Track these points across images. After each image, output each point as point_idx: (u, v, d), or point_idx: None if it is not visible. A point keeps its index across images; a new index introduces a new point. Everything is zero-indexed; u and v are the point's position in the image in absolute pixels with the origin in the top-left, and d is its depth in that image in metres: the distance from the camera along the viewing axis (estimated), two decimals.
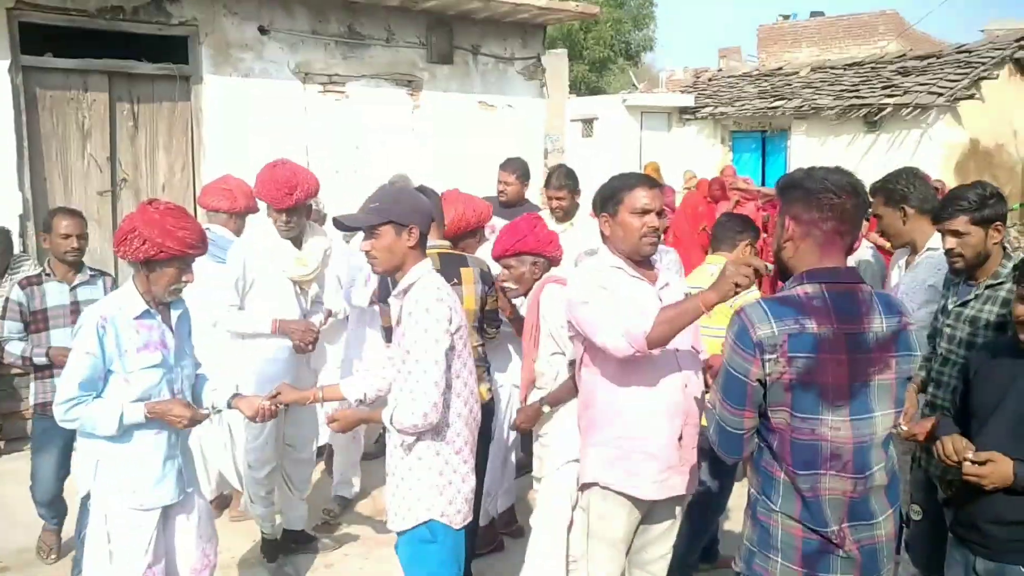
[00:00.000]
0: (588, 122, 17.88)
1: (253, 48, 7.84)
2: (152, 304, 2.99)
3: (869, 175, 11.86)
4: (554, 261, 3.61)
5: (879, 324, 2.13)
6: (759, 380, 2.09)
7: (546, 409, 3.35)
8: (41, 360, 4.03)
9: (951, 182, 14.22)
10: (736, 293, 2.48)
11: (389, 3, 8.35)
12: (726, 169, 11.55)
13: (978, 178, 15.50)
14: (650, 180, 2.98)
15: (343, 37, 8.37)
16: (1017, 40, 15.04)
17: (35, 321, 4.09)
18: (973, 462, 2.42)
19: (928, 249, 3.56)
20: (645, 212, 2.86)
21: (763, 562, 2.21)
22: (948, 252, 3.05)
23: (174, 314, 3.09)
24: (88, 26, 7.05)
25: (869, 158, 14.61)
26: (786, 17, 27.80)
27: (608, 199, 2.93)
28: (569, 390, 3.28)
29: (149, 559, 2.94)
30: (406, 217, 2.76)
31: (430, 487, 2.77)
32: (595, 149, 16.89)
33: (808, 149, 15.65)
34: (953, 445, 2.47)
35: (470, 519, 2.95)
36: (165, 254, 2.86)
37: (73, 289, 4.13)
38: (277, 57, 7.98)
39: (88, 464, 3.02)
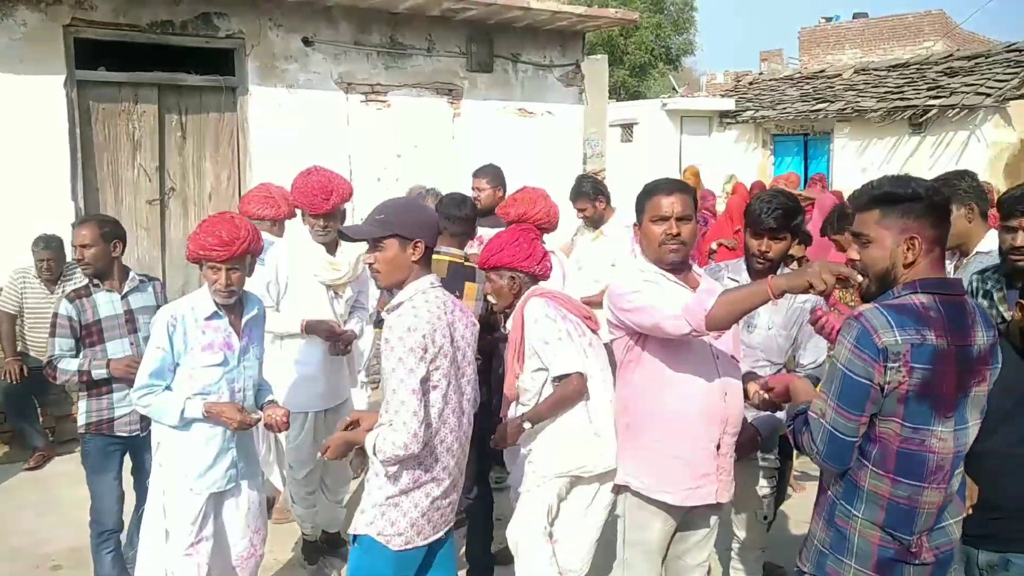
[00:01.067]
0: (627, 127, 17.86)
1: (298, 59, 7.99)
2: (220, 306, 3.21)
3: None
4: (538, 277, 3.39)
5: (981, 337, 2.17)
6: (880, 387, 2.08)
7: (527, 426, 3.21)
8: (101, 373, 3.74)
9: (1001, 184, 13.93)
10: (807, 292, 2.39)
11: (430, 13, 8.45)
12: (790, 176, 11.46)
13: None
14: (671, 185, 2.93)
15: (385, 47, 8.49)
16: None
17: (89, 335, 3.80)
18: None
19: (978, 252, 3.49)
20: (664, 219, 2.83)
21: (836, 565, 2.23)
22: (1013, 251, 2.90)
23: (245, 317, 3.31)
24: (139, 40, 7.25)
25: (914, 160, 14.38)
26: (828, 19, 27.49)
27: (636, 209, 2.95)
28: (551, 407, 3.18)
29: (193, 537, 3.18)
30: (412, 231, 2.66)
31: (375, 505, 2.69)
32: (635, 154, 16.86)
33: (851, 152, 15.46)
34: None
35: (426, 540, 2.74)
36: (190, 257, 3.16)
37: (124, 297, 3.90)
38: (321, 68, 8.12)
39: (152, 444, 3.32)
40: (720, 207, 11.18)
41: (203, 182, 7.83)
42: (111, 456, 3.85)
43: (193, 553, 3.16)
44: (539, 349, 3.18)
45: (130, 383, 3.35)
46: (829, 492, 2.30)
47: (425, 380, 2.57)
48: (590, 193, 5.26)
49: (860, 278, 2.25)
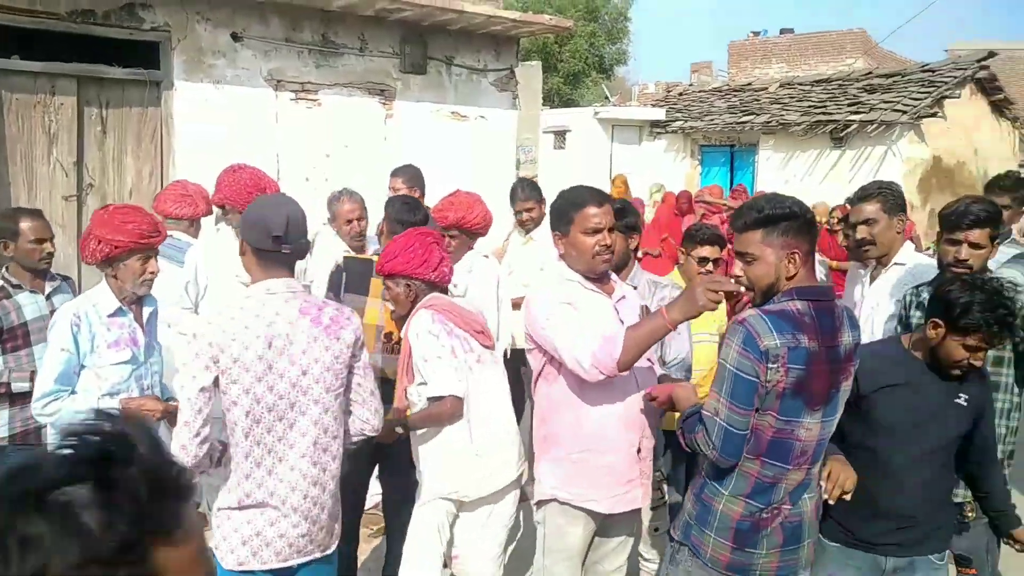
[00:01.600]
0: (560, 134, 18.00)
1: (226, 55, 7.81)
2: (124, 302, 3.11)
3: (834, 190, 12.18)
4: (435, 284, 3.22)
5: (847, 338, 2.41)
6: (763, 385, 2.30)
7: (399, 430, 3.07)
8: (23, 386, 3.43)
9: (914, 198, 14.52)
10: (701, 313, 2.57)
11: (364, 12, 8.36)
12: (714, 187, 11.71)
13: (940, 195, 15.83)
14: (599, 195, 2.91)
15: (317, 45, 8.37)
16: (979, 60, 15.42)
17: (13, 338, 3.54)
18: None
19: (895, 264, 3.57)
20: (597, 231, 2.82)
21: (698, 534, 2.52)
22: (958, 263, 2.99)
23: (146, 311, 3.23)
24: (57, 29, 6.98)
25: (834, 173, 14.87)
26: (757, 34, 28.23)
27: (559, 217, 2.89)
28: (421, 420, 3.09)
29: None
30: (242, 233, 2.55)
31: (214, 512, 2.58)
32: (567, 161, 17.00)
33: (775, 164, 15.89)
34: (847, 480, 2.54)
35: (264, 566, 2.50)
36: (121, 248, 2.98)
37: (49, 298, 3.66)
38: (250, 64, 7.95)
39: None
40: (648, 216, 11.33)
41: (124, 178, 7.57)
42: None
43: None
44: (419, 366, 3.07)
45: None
46: (702, 471, 2.57)
47: (205, 391, 2.35)
48: (537, 195, 5.30)
49: (743, 290, 2.49)
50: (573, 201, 2.87)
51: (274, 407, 2.40)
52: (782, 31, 27.46)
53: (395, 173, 5.41)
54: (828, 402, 2.37)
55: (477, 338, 3.19)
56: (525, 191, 5.31)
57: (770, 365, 2.27)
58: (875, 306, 3.58)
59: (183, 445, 2.37)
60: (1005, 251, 3.53)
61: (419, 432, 3.18)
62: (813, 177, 15.02)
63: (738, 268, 2.47)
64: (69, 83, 7.14)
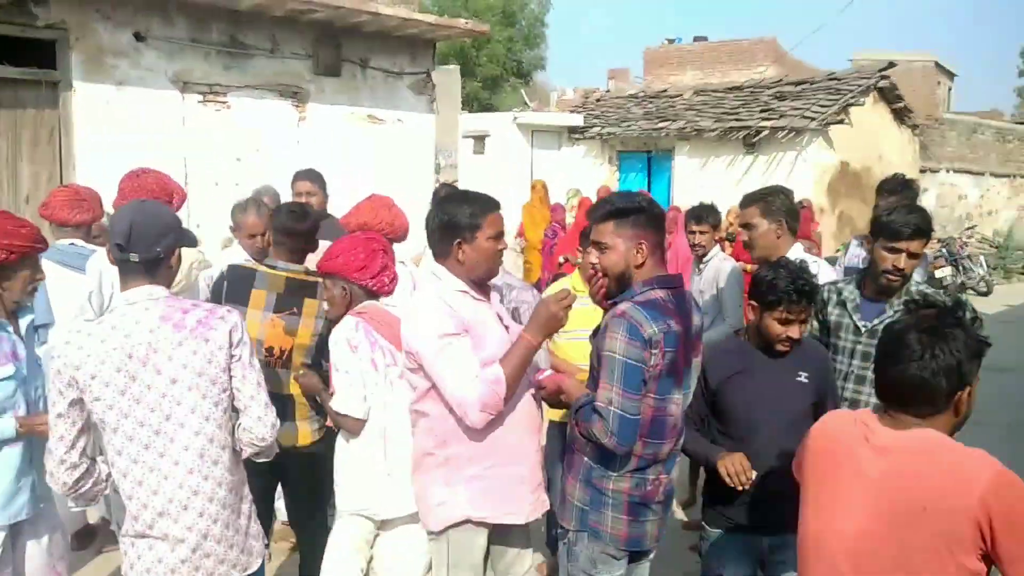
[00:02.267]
0: (480, 139, 17.95)
1: (128, 55, 7.49)
2: (3, 314, 2.91)
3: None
4: (372, 291, 3.17)
5: (697, 319, 2.72)
6: (648, 369, 2.49)
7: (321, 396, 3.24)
8: None
9: (823, 201, 15.01)
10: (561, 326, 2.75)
11: (274, 13, 8.14)
12: (601, 189, 11.86)
13: (847, 199, 16.37)
14: (496, 200, 2.90)
15: (225, 46, 8.10)
16: (880, 71, 16.04)
17: None
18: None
19: None
20: (501, 235, 2.85)
21: (597, 517, 2.66)
22: (896, 271, 3.15)
23: (22, 323, 3.02)
24: None
25: (748, 178, 15.22)
26: (671, 41, 28.77)
27: (463, 227, 2.78)
28: (333, 418, 3.10)
29: None
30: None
31: (121, 539, 2.47)
32: (486, 166, 16.96)
33: (691, 169, 16.19)
34: (741, 465, 2.79)
35: None
36: (16, 254, 2.82)
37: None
38: (154, 65, 7.65)
39: None
40: (569, 221, 11.38)
41: (19, 184, 7.17)
42: None
43: None
44: (332, 372, 3.03)
45: None
46: (584, 458, 2.69)
47: (63, 417, 2.24)
48: None
49: (570, 303, 2.67)
50: (479, 208, 2.82)
51: (146, 421, 2.24)
52: (696, 39, 28.04)
53: (299, 176, 5.26)
54: (686, 378, 2.65)
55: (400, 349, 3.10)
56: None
57: (652, 351, 2.48)
58: None
59: (50, 472, 2.27)
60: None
61: (338, 444, 3.13)
62: (727, 181, 15.34)
63: (593, 256, 2.70)
64: None
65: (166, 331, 2.26)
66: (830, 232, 14.93)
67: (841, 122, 14.88)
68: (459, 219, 2.79)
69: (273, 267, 3.47)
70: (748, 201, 3.80)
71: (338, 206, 5.38)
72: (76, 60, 7.18)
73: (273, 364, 3.40)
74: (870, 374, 3.03)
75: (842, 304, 3.35)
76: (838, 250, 13.45)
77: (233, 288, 3.37)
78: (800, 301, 2.81)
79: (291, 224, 3.56)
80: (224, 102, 8.15)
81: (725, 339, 3.31)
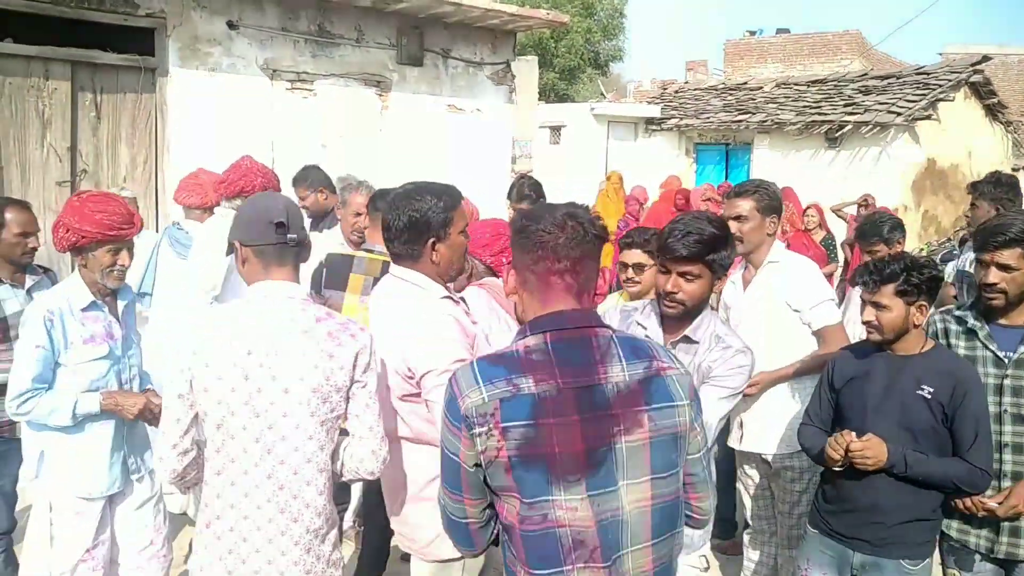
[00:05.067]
0: (556, 129, 17.97)
1: (221, 43, 7.77)
2: (98, 295, 3.00)
3: (830, 190, 12.18)
4: (492, 271, 3.28)
5: (619, 373, 1.72)
6: (476, 463, 1.70)
7: None
8: (4, 378, 3.14)
9: (907, 199, 14.58)
10: None
11: (360, 3, 8.34)
12: (671, 180, 11.74)
13: (933, 197, 15.78)
14: (459, 189, 2.72)
15: (313, 35, 8.34)
16: (972, 65, 15.46)
17: None
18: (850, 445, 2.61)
19: (769, 263, 3.41)
20: (467, 227, 2.63)
21: None
22: (989, 287, 2.72)
23: (120, 304, 3.11)
24: (51, 13, 6.94)
25: (829, 174, 14.88)
26: (753, 33, 28.26)
27: (436, 222, 2.48)
28: None
29: (88, 544, 2.98)
30: (232, 235, 2.30)
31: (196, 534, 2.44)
32: (562, 156, 16.99)
33: (770, 163, 15.91)
34: (837, 440, 2.63)
35: None
36: (87, 238, 2.87)
37: (29, 293, 3.46)
38: (245, 53, 7.92)
39: (33, 454, 3.00)
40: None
41: (118, 165, 7.54)
42: (9, 461, 3.46)
43: (88, 559, 2.98)
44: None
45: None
46: None
47: (183, 397, 2.15)
48: (532, 196, 5.24)
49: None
50: (448, 200, 2.52)
51: (249, 425, 2.11)
52: (778, 31, 27.49)
53: (298, 180, 5.07)
54: (591, 468, 1.67)
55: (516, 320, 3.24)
56: (522, 192, 5.24)
57: (476, 431, 1.66)
58: (750, 307, 3.43)
59: (160, 456, 2.19)
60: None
61: None
62: (807, 177, 15.02)
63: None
64: (63, 68, 7.10)
65: (294, 336, 2.12)
66: (914, 232, 14.50)
67: (929, 117, 14.40)
68: (430, 215, 2.46)
69: (371, 251, 3.56)
70: (742, 191, 3.46)
71: None
72: (173, 47, 7.50)
73: None
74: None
75: (970, 333, 2.84)
76: (920, 249, 13.08)
77: (332, 274, 3.46)
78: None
79: (385, 205, 3.66)
80: (311, 90, 8.39)
81: (860, 342, 2.93)
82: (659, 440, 1.72)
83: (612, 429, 1.69)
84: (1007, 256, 2.66)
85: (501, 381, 1.68)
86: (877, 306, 2.67)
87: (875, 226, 4.55)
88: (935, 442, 2.63)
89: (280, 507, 2.15)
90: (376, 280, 3.38)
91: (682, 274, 2.51)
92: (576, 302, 1.76)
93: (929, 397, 2.61)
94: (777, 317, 3.33)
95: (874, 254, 4.40)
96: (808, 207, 9.04)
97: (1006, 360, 2.73)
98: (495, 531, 1.82)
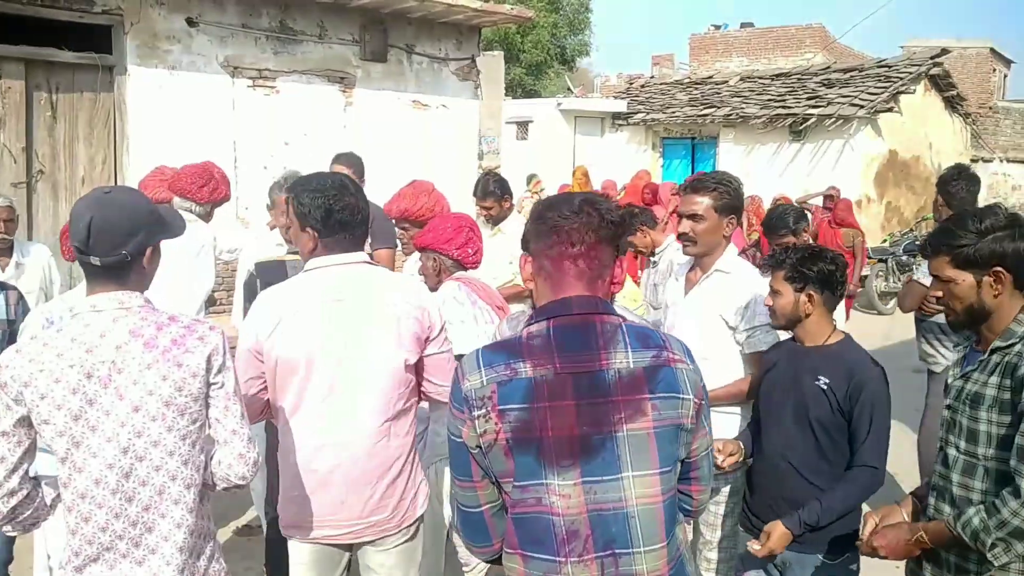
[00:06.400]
0: (523, 125, 17.96)
1: (181, 40, 7.65)
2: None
3: (794, 182, 12.31)
4: (461, 263, 3.37)
5: (623, 360, 1.69)
6: (477, 445, 1.69)
7: None
8: None
9: (870, 191, 14.77)
10: None
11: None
12: (641, 174, 11.82)
13: (896, 188, 15.99)
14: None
15: (274, 32, 8.24)
16: (932, 58, 15.70)
17: None
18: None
19: (717, 271, 3.11)
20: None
21: None
22: (937, 301, 2.36)
23: None
24: (5, 11, 6.77)
25: (794, 166, 15.04)
26: (717, 27, 28.44)
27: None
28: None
29: None
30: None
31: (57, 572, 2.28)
32: (529, 152, 16.98)
33: (735, 156, 16.03)
34: (723, 446, 2.63)
35: None
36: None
37: None
38: (206, 50, 7.80)
39: None
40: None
41: (75, 165, 7.39)
42: None
43: None
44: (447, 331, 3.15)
45: None
46: None
47: (6, 435, 1.93)
48: (497, 192, 5.21)
49: None
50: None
51: (100, 452, 1.93)
52: (742, 25, 27.67)
53: (337, 159, 5.32)
54: (585, 453, 1.65)
55: (497, 313, 3.31)
56: (485, 188, 5.23)
57: (475, 413, 1.67)
58: (687, 314, 3.18)
59: None
60: None
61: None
62: (773, 169, 15.17)
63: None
64: (16, 66, 6.94)
65: (135, 349, 1.95)
66: (877, 223, 14.70)
67: (891, 110, 14.61)
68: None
69: (296, 252, 3.49)
70: (700, 186, 3.10)
71: (383, 191, 5.46)
72: (131, 45, 7.36)
73: None
74: (953, 452, 2.21)
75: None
76: (884, 241, 13.26)
77: (266, 283, 3.31)
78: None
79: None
80: (273, 87, 8.29)
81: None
82: (663, 430, 1.69)
83: (612, 416, 1.66)
84: (939, 266, 2.26)
85: (500, 366, 1.68)
86: (772, 291, 2.74)
87: (781, 218, 4.62)
88: (834, 434, 2.61)
89: (148, 527, 1.99)
90: None
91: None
92: (587, 289, 1.74)
93: (826, 388, 2.59)
94: (712, 330, 3.08)
95: (783, 245, 4.49)
96: (777, 200, 9.11)
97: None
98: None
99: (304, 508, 2.43)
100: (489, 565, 2.69)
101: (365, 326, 2.41)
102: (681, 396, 1.71)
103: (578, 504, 1.64)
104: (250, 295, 3.33)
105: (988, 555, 1.99)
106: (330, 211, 2.40)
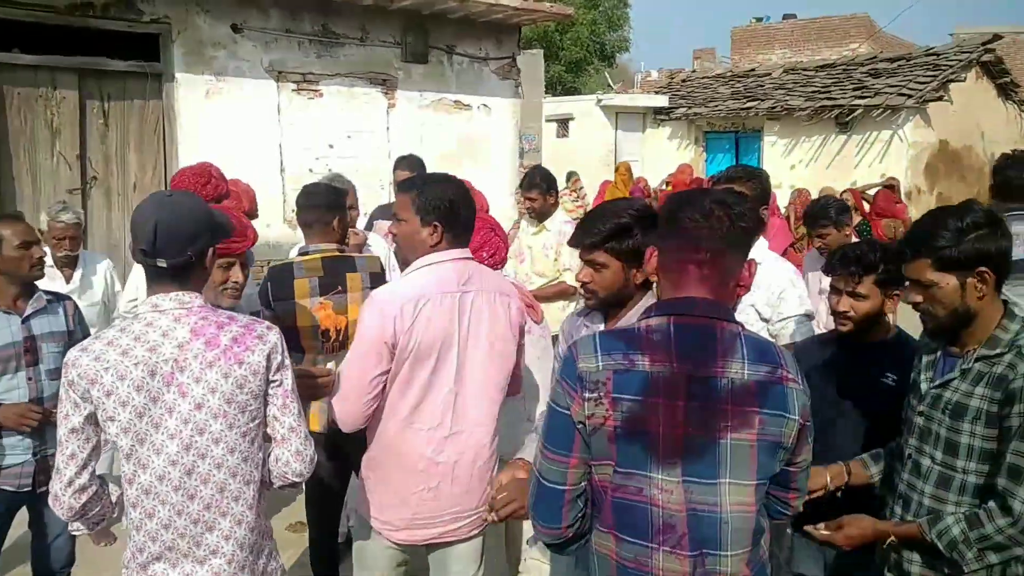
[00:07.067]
0: (563, 122, 17.93)
1: (226, 46, 7.78)
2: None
3: (841, 175, 12.08)
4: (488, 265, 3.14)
5: (738, 370, 1.69)
6: (581, 422, 1.71)
7: None
8: None
9: (920, 182, 14.46)
10: None
11: (363, 2, 8.32)
12: (684, 169, 11.71)
13: (947, 180, 15.62)
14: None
15: (317, 36, 8.33)
16: (983, 44, 15.31)
17: None
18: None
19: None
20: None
21: None
22: (915, 307, 2.22)
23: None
24: (56, 22, 6.96)
25: (840, 158, 14.79)
26: (759, 20, 28.07)
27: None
28: None
29: None
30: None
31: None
32: (570, 149, 16.95)
33: (780, 149, 15.83)
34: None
35: None
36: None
37: (26, 321, 3.09)
38: (250, 55, 7.92)
39: None
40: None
41: (127, 171, 7.56)
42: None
43: None
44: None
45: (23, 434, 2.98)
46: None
47: (76, 432, 1.98)
48: (542, 186, 5.25)
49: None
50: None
51: (163, 449, 1.97)
52: (785, 17, 27.27)
53: (399, 164, 5.36)
54: (689, 453, 1.67)
55: (529, 313, 3.12)
56: (531, 180, 5.27)
57: (587, 395, 1.69)
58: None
59: (55, 495, 2.02)
60: None
61: None
62: (819, 162, 14.94)
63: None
64: (70, 76, 7.12)
65: (197, 347, 1.98)
66: None
67: (940, 99, 14.28)
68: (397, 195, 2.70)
69: (306, 252, 3.44)
70: (734, 177, 3.15)
71: None
72: (178, 52, 7.51)
73: (330, 348, 3.31)
74: (927, 463, 2.17)
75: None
76: None
77: (276, 286, 3.25)
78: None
79: (302, 202, 3.49)
80: (316, 90, 8.38)
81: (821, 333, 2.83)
82: (764, 444, 1.69)
83: (719, 423, 1.67)
84: (917, 270, 2.14)
85: (618, 354, 1.70)
86: (856, 295, 2.56)
87: (823, 209, 4.52)
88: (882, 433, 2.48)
89: (208, 526, 2.03)
90: (321, 279, 3.28)
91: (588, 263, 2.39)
92: (710, 293, 1.74)
93: (893, 385, 2.49)
94: (743, 321, 3.06)
95: (824, 237, 4.38)
96: (843, 192, 8.96)
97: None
98: (580, 520, 1.78)
99: (423, 505, 2.46)
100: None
101: (488, 317, 2.48)
102: (788, 416, 1.70)
103: (679, 501, 1.67)
104: (264, 300, 3.24)
105: (963, 563, 2.00)
106: (457, 206, 2.45)
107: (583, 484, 1.75)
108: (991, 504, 1.98)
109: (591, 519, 1.78)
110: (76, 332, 3.20)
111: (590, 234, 2.31)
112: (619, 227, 2.27)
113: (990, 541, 1.96)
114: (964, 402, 2.06)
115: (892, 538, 2.17)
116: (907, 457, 2.23)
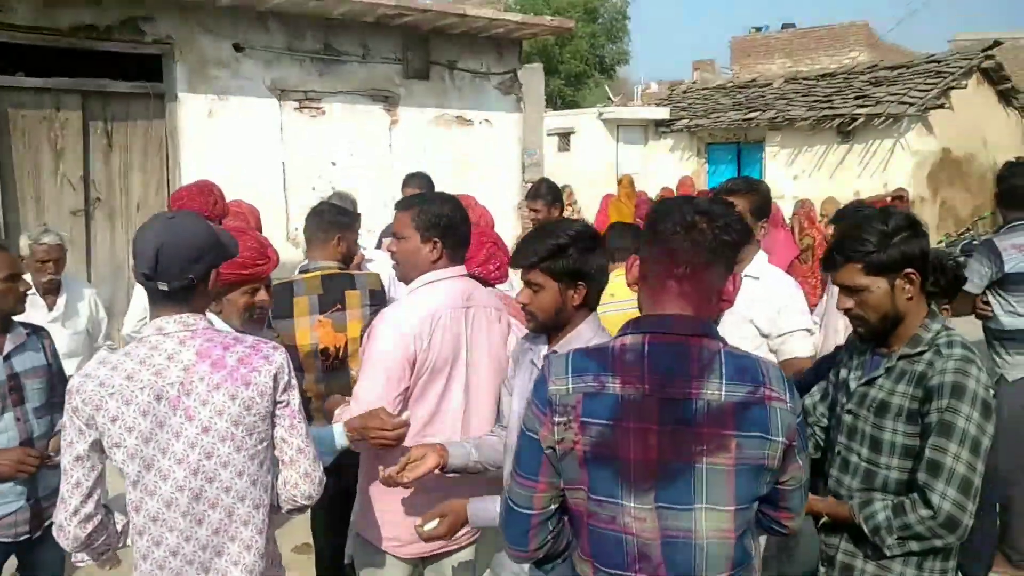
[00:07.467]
0: (565, 136, 17.97)
1: (228, 66, 7.81)
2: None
3: (843, 184, 12.09)
4: (483, 279, 3.09)
5: (715, 391, 1.61)
6: (551, 447, 1.66)
7: None
8: None
9: (923, 191, 14.44)
10: None
11: (365, 19, 8.36)
12: (685, 181, 11.73)
13: (950, 187, 15.64)
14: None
15: (319, 54, 8.36)
16: (984, 50, 15.33)
17: None
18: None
19: (747, 276, 2.95)
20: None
21: None
22: (846, 313, 2.23)
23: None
24: (60, 45, 6.99)
25: (843, 168, 14.78)
26: (758, 29, 28.14)
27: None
28: None
29: None
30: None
31: None
32: (572, 163, 16.97)
33: (782, 160, 15.83)
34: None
35: None
36: (224, 281, 2.50)
37: (7, 360, 2.87)
38: (253, 74, 7.95)
39: None
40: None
41: (131, 192, 7.58)
42: None
43: None
44: None
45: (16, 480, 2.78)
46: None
47: (81, 460, 1.93)
48: (548, 197, 5.26)
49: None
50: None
51: (170, 475, 1.93)
52: (784, 26, 27.33)
53: (408, 181, 5.37)
54: (663, 479, 1.60)
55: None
56: (537, 190, 5.28)
57: (556, 419, 1.63)
58: (720, 321, 3.06)
59: (59, 525, 1.96)
60: None
61: None
62: (821, 172, 14.94)
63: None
64: (74, 98, 7.15)
65: (203, 370, 1.94)
66: (932, 223, 14.36)
67: (942, 106, 14.28)
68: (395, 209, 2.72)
69: (306, 270, 3.45)
70: (733, 190, 3.07)
71: None
72: (181, 72, 7.54)
73: (329, 367, 3.30)
74: (855, 459, 2.22)
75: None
76: (940, 241, 12.94)
77: (277, 304, 3.21)
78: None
79: (307, 220, 3.50)
80: (319, 108, 8.41)
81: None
82: (744, 468, 1.61)
83: (694, 447, 1.59)
84: (848, 275, 2.17)
85: (589, 376, 1.64)
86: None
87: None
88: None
89: (217, 551, 1.99)
90: (320, 296, 3.29)
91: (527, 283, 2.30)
92: (690, 308, 1.66)
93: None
94: (742, 337, 2.95)
95: None
96: (825, 203, 8.96)
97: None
98: (551, 542, 1.74)
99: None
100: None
101: (487, 331, 2.59)
102: (769, 437, 1.61)
103: (652, 528, 1.61)
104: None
105: (884, 548, 2.08)
106: (455, 222, 2.54)
107: (552, 508, 1.71)
108: (915, 495, 2.05)
109: (573, 541, 1.74)
110: (53, 365, 3.04)
111: (526, 254, 2.26)
112: (556, 247, 2.21)
113: (911, 531, 2.04)
114: (888, 400, 2.13)
115: (825, 517, 2.24)
116: (836, 454, 2.28)
